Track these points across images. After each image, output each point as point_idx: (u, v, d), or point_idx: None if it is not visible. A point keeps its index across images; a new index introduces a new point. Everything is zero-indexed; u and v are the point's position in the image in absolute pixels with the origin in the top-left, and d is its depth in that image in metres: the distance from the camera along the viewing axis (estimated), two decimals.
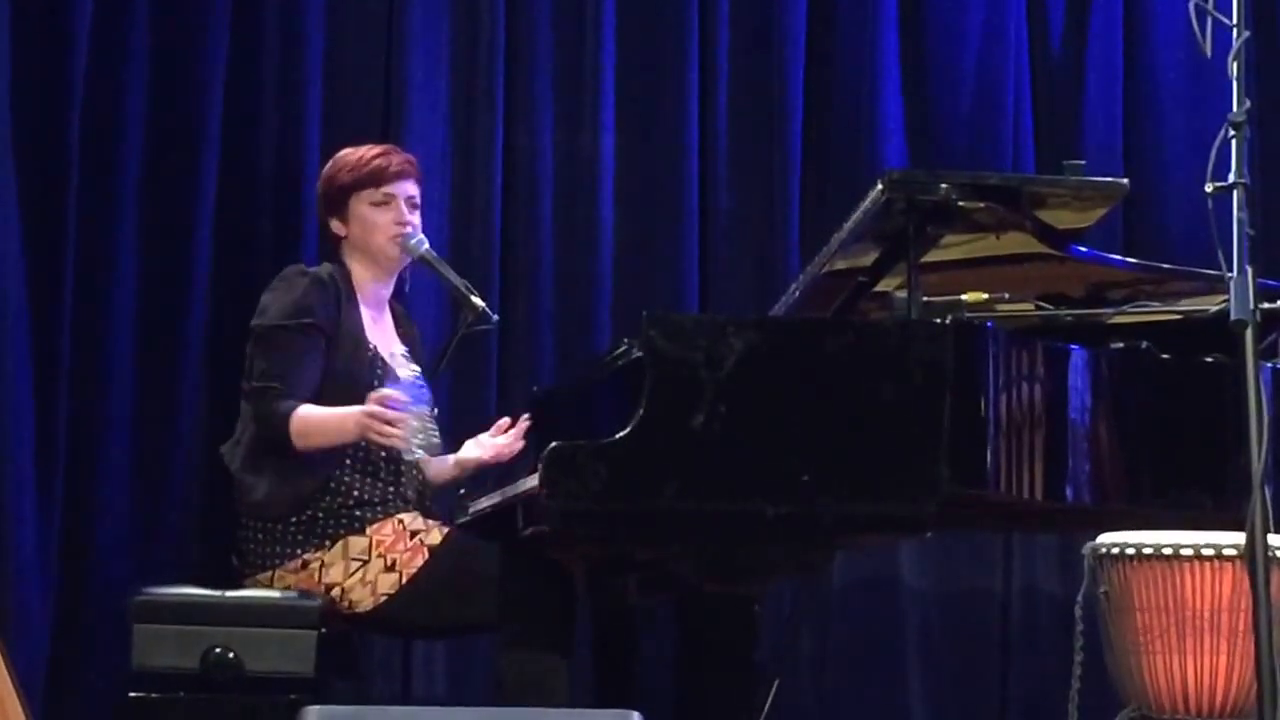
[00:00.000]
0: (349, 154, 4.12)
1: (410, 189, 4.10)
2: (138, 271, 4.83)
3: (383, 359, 3.99)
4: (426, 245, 4.15)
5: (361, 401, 3.86)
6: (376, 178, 4.05)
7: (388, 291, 4.13)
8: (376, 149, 4.13)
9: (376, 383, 3.92)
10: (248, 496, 3.90)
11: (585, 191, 5.21)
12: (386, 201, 4.06)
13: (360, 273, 4.08)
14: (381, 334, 4.07)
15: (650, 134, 5.28)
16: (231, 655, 3.72)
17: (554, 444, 3.26)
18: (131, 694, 3.75)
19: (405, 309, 4.29)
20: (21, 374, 4.66)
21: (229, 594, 3.81)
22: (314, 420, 3.83)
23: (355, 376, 3.92)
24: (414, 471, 4.00)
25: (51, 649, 4.65)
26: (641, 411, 3.24)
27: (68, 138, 4.75)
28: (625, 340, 3.90)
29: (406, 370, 4.06)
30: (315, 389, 3.89)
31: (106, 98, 4.81)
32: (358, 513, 3.86)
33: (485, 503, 3.97)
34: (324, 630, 3.75)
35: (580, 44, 5.25)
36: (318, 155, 4.34)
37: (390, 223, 4.05)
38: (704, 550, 3.36)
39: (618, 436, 3.24)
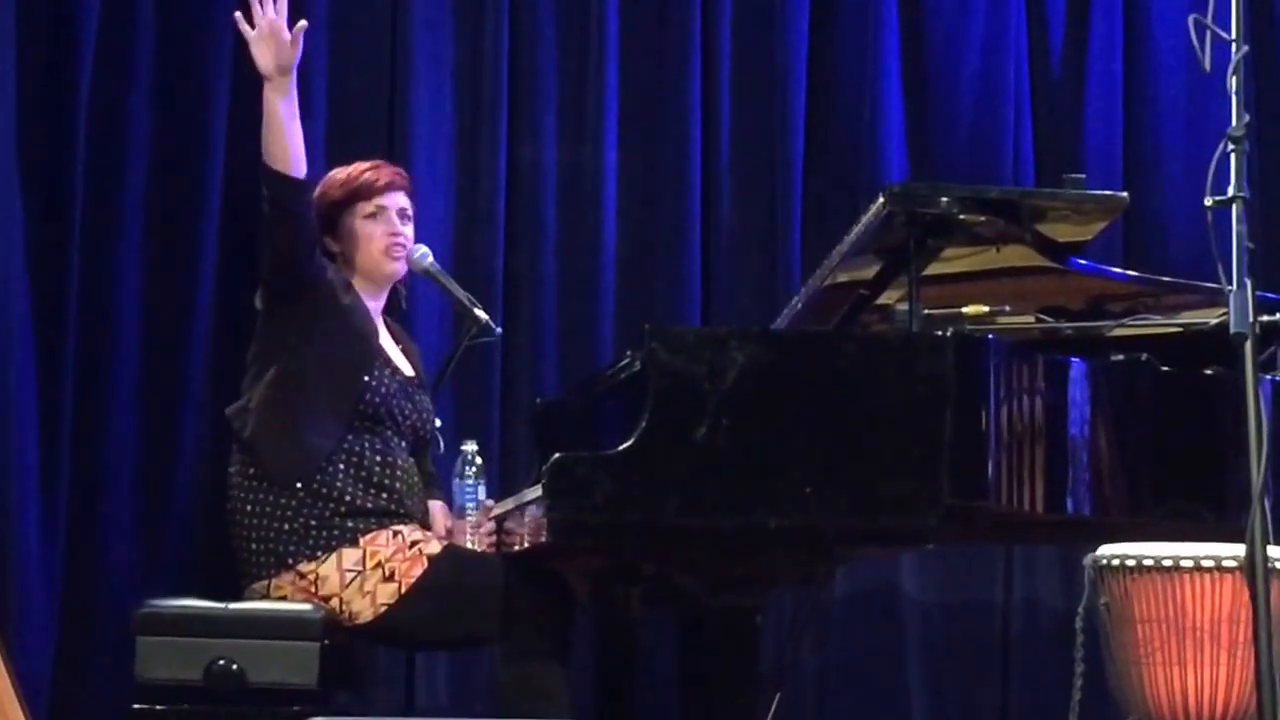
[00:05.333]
0: (339, 172, 4.13)
1: (401, 200, 4.11)
2: (142, 286, 4.86)
3: (386, 353, 4.01)
4: (431, 258, 4.16)
5: (365, 360, 3.91)
6: (366, 190, 4.07)
7: (379, 305, 4.13)
8: (366, 164, 4.15)
9: (379, 359, 3.95)
10: (266, 464, 3.88)
11: (588, 205, 5.23)
12: (377, 213, 4.06)
13: (354, 284, 4.08)
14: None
15: (652, 149, 5.30)
16: (234, 667, 3.72)
17: (557, 455, 3.27)
18: (135, 706, 3.75)
19: (402, 326, 4.30)
20: (26, 387, 4.68)
21: (232, 606, 3.80)
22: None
23: (364, 336, 3.94)
24: (412, 479, 4.00)
25: (55, 661, 4.66)
26: (644, 423, 3.25)
27: (73, 153, 4.77)
28: (628, 352, 3.91)
29: (465, 478, 4.07)
30: (314, 226, 3.93)
31: (111, 119, 4.85)
32: (350, 522, 3.85)
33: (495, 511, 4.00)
34: (327, 642, 3.76)
35: (584, 60, 5.27)
36: (324, 173, 4.35)
37: (383, 234, 4.06)
38: (706, 562, 3.37)
39: (620, 448, 3.25)
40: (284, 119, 3.81)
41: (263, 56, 3.79)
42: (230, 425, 3.97)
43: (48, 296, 4.74)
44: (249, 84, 4.90)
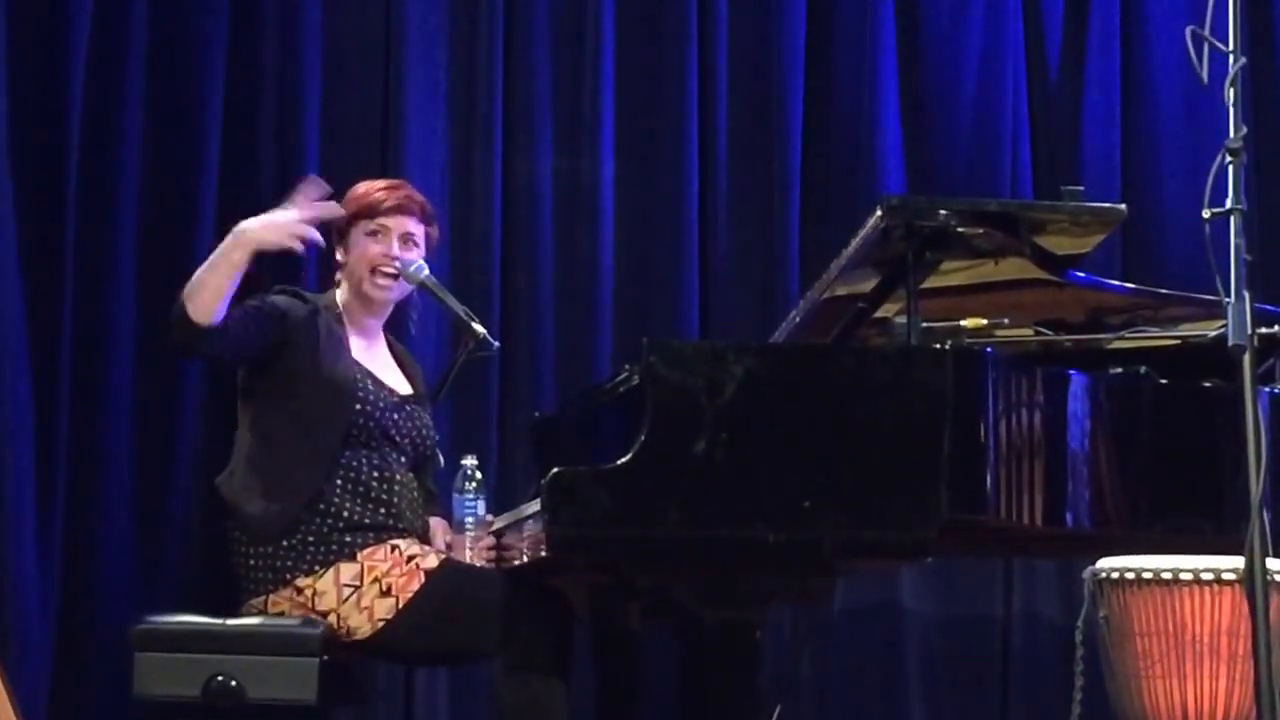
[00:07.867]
0: (361, 185, 4.15)
1: (408, 225, 4.09)
2: (137, 302, 4.85)
3: (374, 375, 4.00)
4: (427, 271, 4.15)
5: (343, 411, 3.89)
6: (372, 209, 4.07)
7: (377, 322, 4.13)
8: (385, 183, 4.16)
9: (361, 392, 3.94)
10: (242, 517, 3.90)
11: (585, 218, 5.23)
12: (379, 233, 4.07)
13: (350, 300, 4.09)
14: (372, 359, 4.08)
15: (650, 160, 5.30)
16: (234, 683, 3.71)
17: (555, 470, 3.27)
18: None
19: (408, 349, 4.28)
20: (21, 404, 4.68)
21: (230, 622, 3.80)
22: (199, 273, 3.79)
23: (338, 385, 3.92)
24: (411, 493, 4.00)
25: (53, 678, 4.66)
26: (642, 438, 3.25)
27: (65, 169, 4.77)
28: (626, 366, 3.91)
29: (465, 491, 4.07)
30: (241, 337, 3.85)
31: (104, 138, 4.84)
32: (348, 538, 3.86)
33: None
34: (326, 657, 3.75)
35: (579, 71, 5.27)
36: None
37: (377, 254, 4.06)
38: (705, 576, 3.37)
39: (619, 463, 3.25)
40: (235, 278, 3.75)
41: (280, 235, 3.81)
42: (219, 492, 3.98)
43: (43, 314, 4.74)
44: (243, 98, 4.94)
